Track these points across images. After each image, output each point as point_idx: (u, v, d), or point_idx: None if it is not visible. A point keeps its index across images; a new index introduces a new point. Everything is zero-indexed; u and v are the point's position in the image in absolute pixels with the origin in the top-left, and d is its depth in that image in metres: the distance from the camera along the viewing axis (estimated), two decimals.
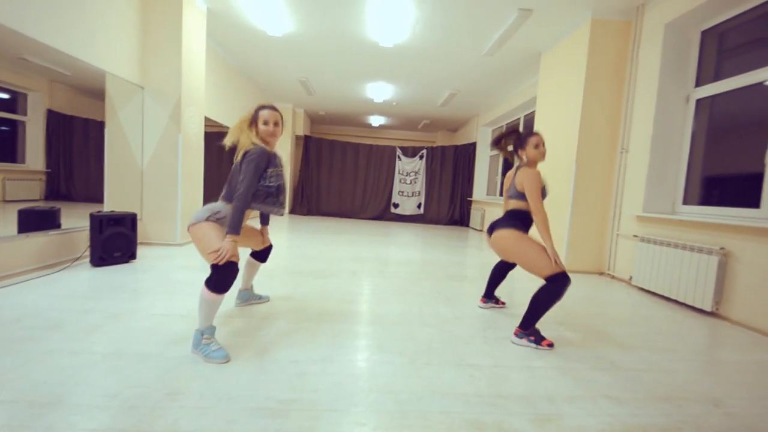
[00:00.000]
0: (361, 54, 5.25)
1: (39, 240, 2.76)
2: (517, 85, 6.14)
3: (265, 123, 1.78)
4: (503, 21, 4.00)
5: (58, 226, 3.06)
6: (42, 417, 1.13)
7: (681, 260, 2.87)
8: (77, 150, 5.61)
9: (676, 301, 2.97)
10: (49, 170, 5.28)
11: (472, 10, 3.84)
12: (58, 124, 5.30)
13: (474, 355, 1.78)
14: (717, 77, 3.13)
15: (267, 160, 1.72)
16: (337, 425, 1.19)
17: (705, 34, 3.27)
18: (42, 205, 4.63)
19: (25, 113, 4.85)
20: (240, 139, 1.75)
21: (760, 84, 2.75)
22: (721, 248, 2.62)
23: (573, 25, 3.97)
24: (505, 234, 1.98)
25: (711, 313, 2.69)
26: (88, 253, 3.04)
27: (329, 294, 2.63)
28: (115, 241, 2.98)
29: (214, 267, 1.55)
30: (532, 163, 2.09)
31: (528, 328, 1.92)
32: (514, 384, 1.53)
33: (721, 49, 3.23)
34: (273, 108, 1.82)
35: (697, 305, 2.72)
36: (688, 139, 3.30)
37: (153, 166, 3.81)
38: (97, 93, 5.30)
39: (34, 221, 2.91)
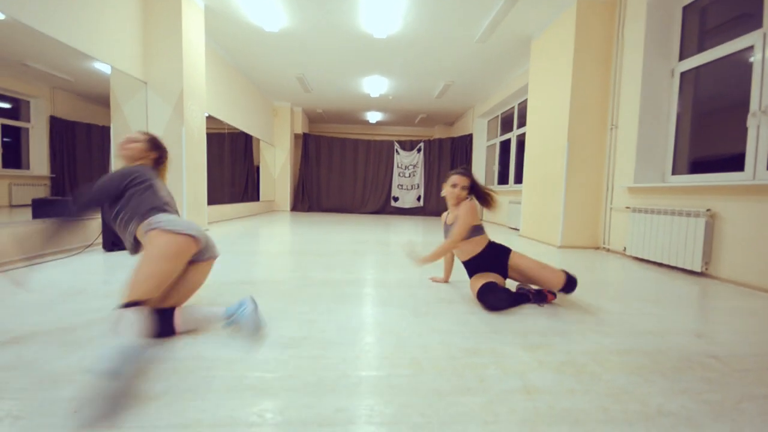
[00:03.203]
0: (356, 46, 5.37)
1: None
2: (510, 73, 6.26)
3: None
4: (492, 6, 4.13)
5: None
6: (74, 352, 1.24)
7: (671, 226, 2.98)
8: (80, 155, 5.72)
9: (668, 266, 3.07)
10: (53, 175, 5.40)
11: None
12: (61, 130, 5.42)
13: (471, 307, 1.88)
14: (700, 50, 3.24)
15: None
16: (344, 353, 1.30)
17: (686, 9, 3.38)
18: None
19: (28, 120, 4.96)
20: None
21: (740, 54, 2.86)
22: (708, 210, 2.72)
23: (560, 8, 4.08)
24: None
25: (701, 274, 2.79)
26: (100, 240, 3.16)
27: (333, 267, 2.74)
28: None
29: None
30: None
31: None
32: (509, 323, 1.64)
33: (703, 23, 3.34)
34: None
35: (688, 267, 2.82)
36: (675, 111, 3.41)
37: None
38: (98, 98, 5.42)
39: (46, 209, 3.04)
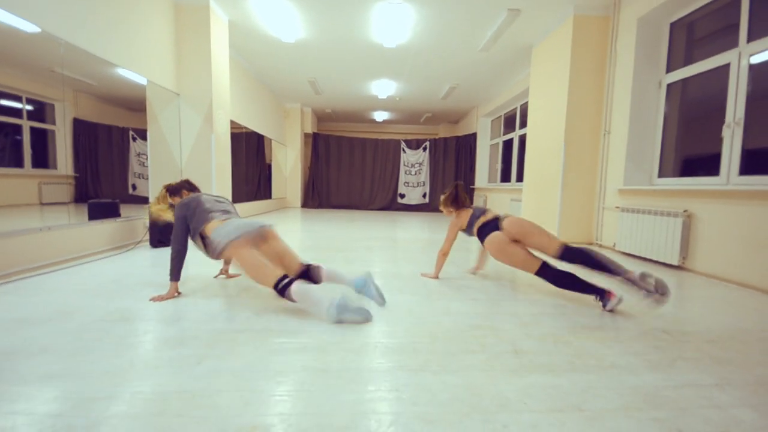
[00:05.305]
0: (367, 55, 5.71)
1: (108, 226, 3.29)
2: (513, 77, 6.57)
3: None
4: (495, 20, 4.45)
5: (119, 215, 3.59)
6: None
7: (654, 224, 3.33)
8: (102, 155, 6.11)
9: (651, 260, 3.43)
10: (77, 174, 5.78)
11: (466, 12, 4.29)
12: (84, 131, 5.79)
13: (476, 293, 2.27)
14: (685, 64, 3.56)
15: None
16: (376, 327, 1.69)
17: (673, 25, 3.70)
18: (73, 206, 5.15)
19: (53, 122, 5.34)
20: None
21: (721, 68, 3.17)
22: (685, 210, 3.08)
23: (558, 22, 4.40)
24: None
25: (679, 267, 3.16)
26: (146, 237, 3.56)
27: (352, 261, 3.12)
28: (171, 227, 3.49)
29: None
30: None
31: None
32: (506, 307, 2.02)
33: (689, 38, 3.66)
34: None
35: (668, 261, 3.19)
36: (661, 119, 3.74)
37: (190, 163, 4.33)
38: (118, 101, 5.79)
39: (100, 211, 3.44)
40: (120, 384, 1.16)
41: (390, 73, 6.63)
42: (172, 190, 2.35)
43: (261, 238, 2.04)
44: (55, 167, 5.44)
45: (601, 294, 2.02)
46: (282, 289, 1.76)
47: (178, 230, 2.07)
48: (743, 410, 1.11)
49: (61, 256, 2.77)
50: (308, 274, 2.08)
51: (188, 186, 2.38)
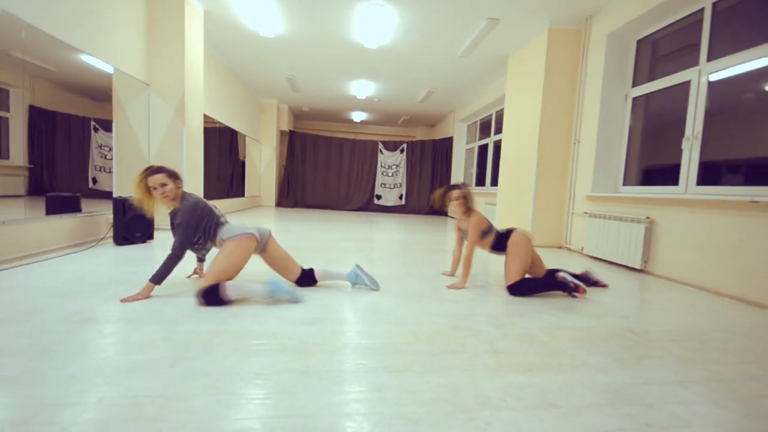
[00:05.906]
0: (347, 54, 5.69)
1: (68, 221, 3.09)
2: (489, 84, 6.74)
3: (154, 188, 1.95)
4: (475, 28, 4.55)
5: (79, 210, 3.38)
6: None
7: (618, 230, 3.51)
8: (60, 145, 5.72)
9: (616, 264, 3.61)
10: (32, 166, 5.38)
11: (447, 18, 4.36)
12: (41, 120, 5.41)
13: (453, 295, 2.30)
14: (650, 79, 3.77)
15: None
16: (356, 328, 1.68)
17: (640, 42, 3.92)
18: (27, 199, 4.80)
19: (7, 109, 4.96)
20: (144, 206, 2.00)
21: (682, 84, 3.38)
22: (647, 217, 3.26)
23: (534, 33, 4.56)
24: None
25: (641, 270, 3.34)
26: (110, 234, 3.38)
27: (331, 262, 3.09)
28: (136, 223, 3.33)
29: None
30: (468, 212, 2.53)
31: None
32: (483, 308, 2.06)
33: (653, 54, 3.89)
34: (157, 170, 1.96)
35: (631, 265, 3.36)
36: (627, 130, 3.95)
37: (159, 157, 4.14)
38: (80, 89, 5.44)
39: (59, 205, 3.24)
40: (88, 389, 1.09)
41: (369, 74, 6.63)
42: (174, 174, 2.03)
43: (266, 242, 2.20)
44: (7, 157, 5.04)
45: (572, 289, 2.37)
46: (216, 294, 1.86)
47: (188, 236, 1.96)
48: (705, 406, 1.19)
49: (16, 253, 2.58)
50: (308, 277, 2.30)
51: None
